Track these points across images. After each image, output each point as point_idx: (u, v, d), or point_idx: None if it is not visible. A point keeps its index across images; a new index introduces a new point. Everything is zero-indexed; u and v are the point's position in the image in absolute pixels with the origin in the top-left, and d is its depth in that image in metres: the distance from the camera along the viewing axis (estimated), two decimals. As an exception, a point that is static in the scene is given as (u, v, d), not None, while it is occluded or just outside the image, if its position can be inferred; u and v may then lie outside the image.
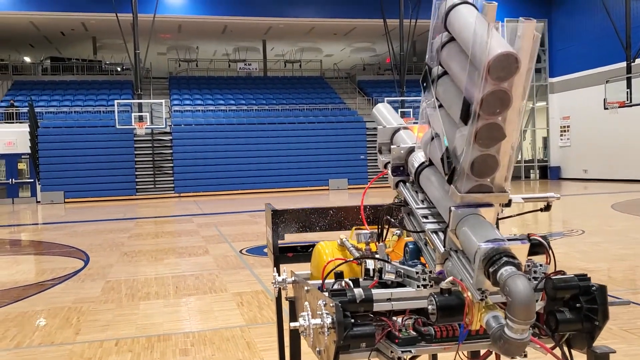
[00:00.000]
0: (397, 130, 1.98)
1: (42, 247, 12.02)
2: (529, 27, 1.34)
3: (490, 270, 1.32)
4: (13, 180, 25.73)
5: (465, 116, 1.41)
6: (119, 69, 34.20)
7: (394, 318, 1.61)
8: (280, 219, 2.56)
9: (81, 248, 10.93)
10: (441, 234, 1.59)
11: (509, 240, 1.36)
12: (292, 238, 2.74)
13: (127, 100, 26.93)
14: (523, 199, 1.70)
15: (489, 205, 1.50)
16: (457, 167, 1.48)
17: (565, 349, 1.61)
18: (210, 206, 20.57)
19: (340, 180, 27.32)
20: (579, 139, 29.14)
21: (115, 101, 25.43)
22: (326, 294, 1.55)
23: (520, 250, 1.34)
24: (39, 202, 25.13)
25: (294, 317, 2.17)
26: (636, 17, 24.55)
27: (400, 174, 1.88)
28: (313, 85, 33.85)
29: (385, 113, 2.09)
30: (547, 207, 1.74)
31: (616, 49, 24.47)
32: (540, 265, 1.66)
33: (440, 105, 1.60)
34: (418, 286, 1.62)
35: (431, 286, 1.60)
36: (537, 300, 1.51)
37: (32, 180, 25.71)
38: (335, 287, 1.66)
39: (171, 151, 26.82)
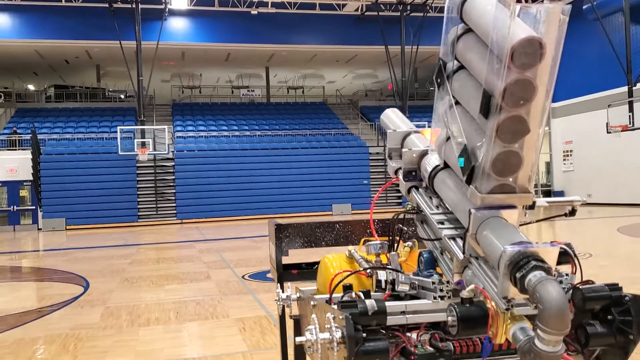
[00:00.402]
0: (408, 134, 1.86)
1: (41, 273, 11.86)
2: (555, 10, 1.24)
3: (517, 275, 1.19)
4: (15, 207, 25.63)
5: (486, 109, 1.30)
6: (122, 96, 34.36)
7: (409, 334, 1.48)
8: (284, 234, 2.44)
9: (81, 274, 10.76)
10: (459, 240, 1.46)
11: (536, 243, 1.24)
12: (299, 258, 2.61)
13: (130, 126, 26.96)
14: (547, 202, 1.58)
15: (512, 207, 1.37)
16: (476, 167, 1.36)
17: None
18: (213, 232, 20.41)
19: (344, 206, 27.16)
20: (582, 164, 29.04)
21: (118, 127, 25.47)
22: (335, 306, 1.42)
23: (550, 254, 1.22)
24: (40, 229, 24.99)
25: (299, 335, 2.04)
26: (636, 41, 24.65)
27: (413, 179, 1.76)
28: (316, 111, 33.93)
29: (394, 118, 1.98)
30: (573, 212, 1.62)
31: (617, 74, 24.51)
32: (566, 275, 1.53)
33: (457, 103, 1.49)
34: (434, 298, 1.49)
35: (449, 298, 1.47)
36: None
37: (34, 207, 25.60)
38: (345, 299, 1.52)
39: (173, 177, 26.75)
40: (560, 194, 30.69)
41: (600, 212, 22.84)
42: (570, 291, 1.45)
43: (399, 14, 28.72)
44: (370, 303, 1.38)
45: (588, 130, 28.05)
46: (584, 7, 26.67)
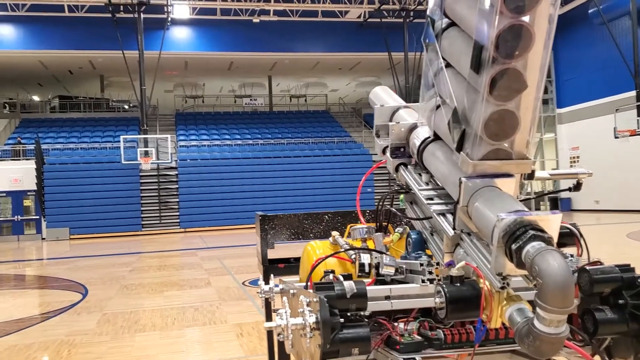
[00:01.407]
0: (397, 109, 1.71)
1: (41, 281, 11.74)
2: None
3: (513, 247, 1.02)
4: (19, 217, 25.56)
5: (477, 63, 1.14)
6: (126, 106, 34.38)
7: (396, 323, 1.32)
8: (269, 225, 2.29)
9: (81, 282, 10.63)
10: (450, 216, 1.30)
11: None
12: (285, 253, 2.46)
13: (134, 135, 26.92)
14: (550, 174, 1.42)
15: (508, 175, 1.21)
16: (467, 131, 1.21)
17: (606, 356, 1.30)
18: (215, 240, 20.27)
19: (348, 214, 26.95)
20: (589, 170, 28.70)
21: (121, 136, 25.42)
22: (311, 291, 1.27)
23: (551, 223, 1.05)
24: (44, 238, 24.91)
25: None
26: (643, 45, 24.45)
27: (401, 155, 1.60)
28: (319, 120, 33.82)
29: (382, 94, 1.83)
30: (578, 186, 1.46)
31: (624, 78, 24.29)
32: (572, 256, 1.37)
33: (447, 66, 1.34)
34: (423, 281, 1.32)
35: (439, 281, 1.31)
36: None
37: (38, 217, 25.53)
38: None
39: (177, 186, 26.66)
40: (568, 200, 30.39)
41: (608, 218, 22.58)
42: (577, 273, 1.29)
43: (401, 20, 28.64)
44: (348, 285, 1.21)
45: (595, 135, 27.79)
46: (589, 12, 26.52)
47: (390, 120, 1.72)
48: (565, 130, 30.90)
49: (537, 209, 31.17)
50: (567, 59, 30.13)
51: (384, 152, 1.72)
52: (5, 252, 19.78)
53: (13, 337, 6.32)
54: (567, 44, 29.97)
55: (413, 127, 1.58)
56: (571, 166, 30.33)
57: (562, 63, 30.59)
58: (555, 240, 1.05)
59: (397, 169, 1.61)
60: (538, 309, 1.00)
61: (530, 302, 1.11)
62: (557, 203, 31.07)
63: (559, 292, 0.96)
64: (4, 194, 25.40)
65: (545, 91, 31.11)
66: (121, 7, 25.42)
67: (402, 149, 1.60)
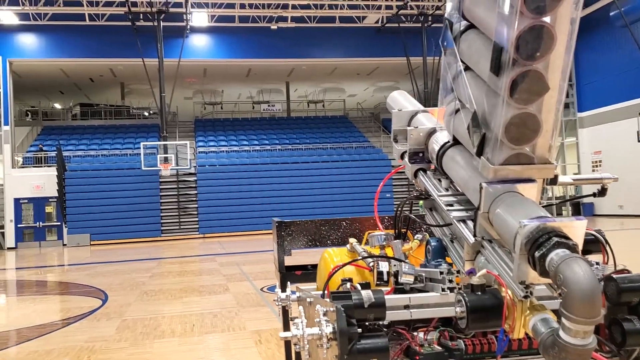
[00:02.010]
0: (415, 113, 1.68)
1: (62, 287, 11.84)
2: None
3: (536, 255, 0.98)
4: (40, 223, 25.89)
5: (497, 65, 1.11)
6: (146, 113, 34.73)
7: (416, 332, 1.29)
8: (286, 232, 2.27)
9: (101, 288, 10.71)
10: (470, 223, 1.27)
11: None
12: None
13: (153, 142, 27.17)
14: (573, 179, 1.38)
15: (530, 180, 1.17)
16: (488, 135, 1.17)
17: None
18: (234, 246, 20.32)
19: (366, 219, 26.85)
20: (612, 174, 28.27)
21: (142, 143, 25.67)
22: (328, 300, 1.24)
23: (575, 230, 1.01)
24: (65, 244, 25.19)
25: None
26: (665, 48, 24.05)
27: (420, 160, 1.57)
28: (336, 125, 33.81)
29: (400, 99, 1.80)
30: (603, 191, 1.41)
31: (647, 81, 23.93)
32: (597, 264, 1.33)
33: (466, 69, 1.31)
34: (443, 290, 1.29)
35: (459, 289, 1.27)
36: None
37: (59, 223, 25.84)
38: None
39: (196, 192, 26.81)
40: (590, 205, 29.95)
41: (633, 223, 22.20)
42: (603, 282, 1.24)
43: (419, 25, 28.55)
44: (366, 294, 1.18)
45: (618, 139, 27.38)
46: (611, 14, 26.20)
47: (409, 125, 1.69)
48: (586, 135, 30.50)
49: (559, 214, 30.78)
50: (588, 62, 29.77)
51: (402, 157, 1.68)
52: (28, 258, 20.03)
53: (34, 343, 6.38)
54: (588, 47, 29.62)
55: (432, 132, 1.55)
56: (593, 171, 29.88)
57: (583, 66, 30.23)
58: (581, 247, 1.02)
59: (415, 175, 1.58)
60: (563, 319, 0.96)
61: (555, 312, 1.07)
62: (579, 208, 30.63)
63: (585, 301, 0.92)
64: (26, 201, 25.75)
65: (567, 95, 30.54)
66: (141, 15, 25.71)
67: (420, 154, 1.57)
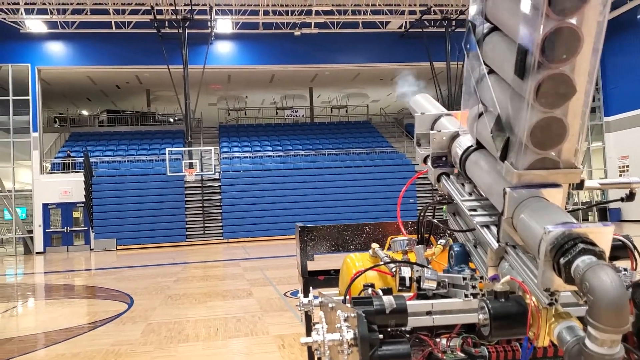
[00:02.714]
0: (438, 117, 1.66)
1: (88, 291, 12.01)
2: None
3: (562, 262, 0.96)
4: (68, 228, 26.30)
5: (521, 68, 1.09)
6: (171, 119, 35.10)
7: (439, 338, 1.27)
8: (309, 237, 2.26)
9: (126, 292, 10.83)
10: (494, 228, 1.25)
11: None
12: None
13: (179, 148, 27.45)
14: (600, 184, 1.35)
15: (556, 185, 1.15)
16: (512, 139, 1.15)
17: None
18: (258, 251, 20.39)
19: (390, 225, 26.71)
20: (640, 179, 27.74)
21: (167, 149, 25.96)
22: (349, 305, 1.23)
23: (602, 236, 0.99)
24: (92, 249, 25.54)
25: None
26: (696, 50, 23.56)
27: (443, 165, 1.55)
28: (360, 130, 33.77)
29: (423, 102, 1.79)
30: (631, 196, 1.38)
31: (676, 84, 23.44)
32: (625, 270, 1.30)
33: (490, 72, 1.29)
34: (466, 296, 1.27)
35: (483, 295, 1.25)
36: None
37: (86, 228, 26.22)
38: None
39: (220, 197, 26.99)
40: (617, 211, 29.41)
41: (661, 229, 21.71)
42: (631, 289, 1.21)
43: (443, 29, 28.40)
44: (387, 299, 1.17)
45: (645, 144, 26.87)
46: (638, 17, 25.76)
47: (432, 129, 1.67)
48: (613, 139, 29.98)
49: (585, 219, 30.26)
50: (615, 66, 29.28)
51: (425, 161, 1.67)
52: (56, 263, 20.36)
53: (61, 346, 6.48)
54: (614, 50, 29.15)
55: (455, 136, 1.53)
56: (620, 175, 29.33)
57: (610, 70, 29.74)
58: (608, 254, 0.99)
59: (438, 179, 1.56)
60: (590, 328, 0.93)
61: (581, 319, 1.04)
62: (606, 213, 30.10)
63: (613, 309, 0.89)
64: (54, 206, 26.19)
65: (593, 99, 30.28)
66: (166, 23, 26.04)
67: (443, 158, 1.55)
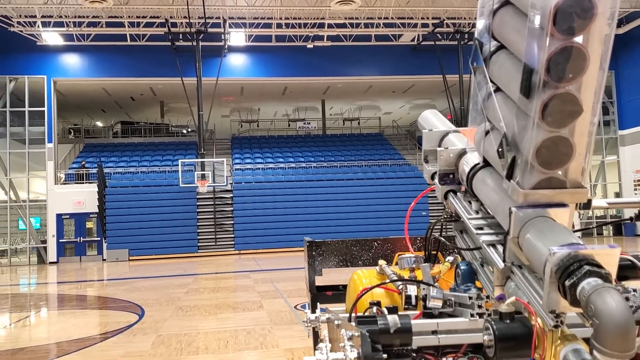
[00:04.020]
0: (446, 134, 1.66)
1: (100, 301, 12.04)
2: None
3: (567, 283, 0.95)
4: (81, 238, 26.46)
5: (527, 87, 1.08)
6: (184, 131, 35.34)
7: (445, 358, 1.26)
8: (317, 251, 2.26)
9: (138, 303, 10.85)
10: (500, 247, 1.23)
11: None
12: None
13: (191, 159, 27.59)
14: (608, 203, 1.33)
15: (562, 205, 1.14)
16: (518, 158, 1.15)
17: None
18: (269, 263, 20.37)
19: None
20: (656, 193, 27.44)
21: (180, 160, 26.10)
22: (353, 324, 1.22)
23: (608, 258, 0.97)
24: (105, 259, 25.66)
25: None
26: None
27: (450, 182, 1.55)
28: (372, 142, 33.76)
29: (431, 118, 1.79)
30: (639, 216, 1.36)
31: (692, 97, 23.22)
32: (634, 291, 1.28)
33: (497, 90, 1.28)
34: (472, 315, 1.26)
35: (489, 315, 1.24)
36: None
37: (99, 238, 26.37)
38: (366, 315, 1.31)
39: (232, 209, 27.04)
40: (632, 226, 29.06)
41: (677, 244, 21.42)
42: (639, 310, 1.19)
43: (456, 42, 28.40)
44: (392, 319, 1.16)
45: (661, 157, 26.59)
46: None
47: (439, 145, 1.67)
48: (628, 153, 29.70)
49: (599, 234, 29.96)
50: (630, 79, 29.08)
51: (432, 178, 1.66)
52: (68, 273, 20.48)
53: (73, 357, 6.49)
54: (629, 64, 28.98)
55: (462, 153, 1.52)
56: (635, 189, 29.02)
57: (624, 83, 29.54)
58: (614, 276, 0.98)
59: (446, 196, 1.56)
60: (595, 352, 0.92)
61: (588, 340, 1.03)
62: (621, 228, 29.78)
63: (618, 334, 0.88)
64: (68, 216, 26.39)
65: (607, 112, 30.08)
66: (180, 35, 26.29)
67: (451, 175, 1.55)
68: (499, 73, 1.26)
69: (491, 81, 1.29)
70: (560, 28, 1.00)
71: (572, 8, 0.99)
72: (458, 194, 1.53)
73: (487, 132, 1.33)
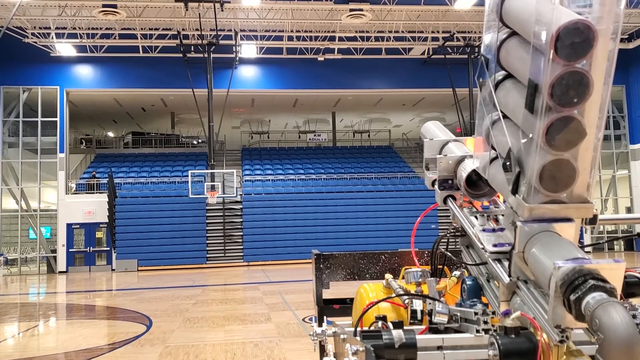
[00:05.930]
0: (446, 143, 1.68)
1: (109, 312, 12.07)
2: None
3: (572, 298, 0.95)
4: (91, 248, 26.57)
5: (531, 103, 1.09)
6: (195, 142, 35.50)
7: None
8: (325, 264, 2.26)
9: (146, 313, 10.87)
10: (506, 262, 1.24)
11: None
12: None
13: (201, 170, 27.70)
14: (614, 219, 1.33)
15: (568, 220, 1.14)
16: (522, 174, 1.15)
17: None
18: (277, 274, 20.34)
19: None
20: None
21: (189, 171, 26.20)
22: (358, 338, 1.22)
23: (614, 272, 0.98)
24: (114, 269, 25.73)
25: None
26: None
27: (449, 187, 1.58)
28: (382, 155, 33.77)
29: (433, 128, 1.81)
30: (646, 232, 1.36)
31: None
32: (641, 308, 1.27)
33: (504, 117, 1.29)
34: (478, 331, 1.26)
35: (495, 331, 1.24)
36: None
37: (109, 248, 26.47)
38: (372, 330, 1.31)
39: (241, 220, 27.07)
40: (644, 240, 28.76)
41: (690, 259, 21.18)
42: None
43: (466, 56, 28.44)
44: (397, 334, 1.17)
45: (673, 172, 26.35)
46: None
47: (440, 154, 1.69)
48: (639, 167, 29.49)
49: (610, 249, 29.67)
50: (640, 92, 28.94)
51: (433, 184, 1.70)
52: (78, 283, 20.55)
53: (79, 367, 6.50)
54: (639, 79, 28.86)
55: (460, 160, 1.55)
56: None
57: (635, 98, 29.41)
58: (619, 291, 0.98)
59: (445, 201, 1.59)
60: (600, 368, 0.92)
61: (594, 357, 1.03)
62: (632, 243, 29.47)
63: (623, 349, 0.88)
64: (78, 226, 26.53)
65: (618, 127, 29.92)
66: (192, 47, 26.51)
67: (449, 181, 1.59)
68: (505, 100, 1.28)
69: (495, 107, 1.30)
70: (562, 55, 1.01)
71: (573, 36, 0.99)
72: (457, 200, 1.56)
73: (492, 160, 1.34)
